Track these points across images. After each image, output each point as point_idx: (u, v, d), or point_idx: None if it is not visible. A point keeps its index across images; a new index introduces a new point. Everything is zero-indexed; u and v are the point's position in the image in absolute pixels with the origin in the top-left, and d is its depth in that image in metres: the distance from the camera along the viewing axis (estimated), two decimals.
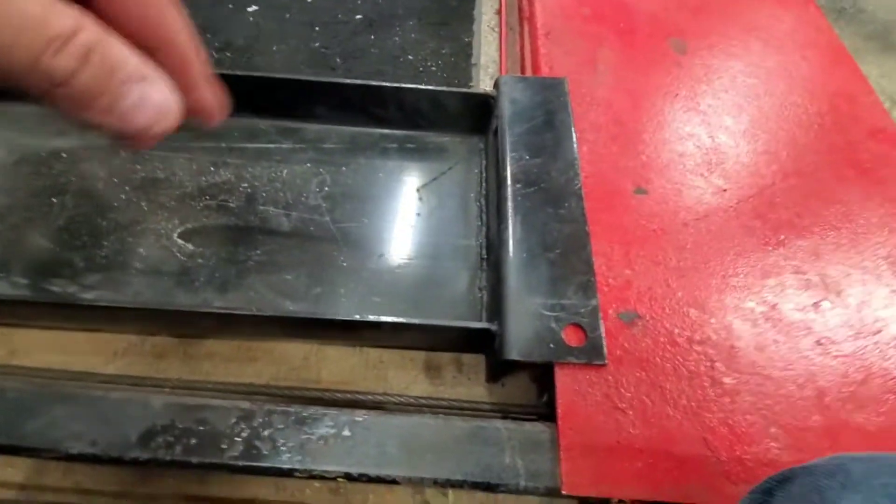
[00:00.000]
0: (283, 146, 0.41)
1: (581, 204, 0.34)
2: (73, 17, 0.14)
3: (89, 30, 0.14)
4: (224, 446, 0.26)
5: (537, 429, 0.27)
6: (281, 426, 0.26)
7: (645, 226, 0.35)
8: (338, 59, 0.53)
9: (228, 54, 0.50)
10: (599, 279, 0.31)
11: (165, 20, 0.17)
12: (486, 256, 0.36)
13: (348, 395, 0.30)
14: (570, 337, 0.29)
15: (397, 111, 0.41)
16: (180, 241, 0.35)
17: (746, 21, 0.49)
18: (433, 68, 0.53)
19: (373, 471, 0.25)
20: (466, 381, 0.33)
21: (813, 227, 0.36)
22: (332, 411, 0.27)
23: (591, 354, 0.28)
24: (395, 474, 0.25)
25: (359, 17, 0.56)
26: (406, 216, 0.38)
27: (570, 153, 0.37)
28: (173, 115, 0.16)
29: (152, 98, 0.16)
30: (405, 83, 0.40)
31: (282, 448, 0.26)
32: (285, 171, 0.39)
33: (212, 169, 0.39)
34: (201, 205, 0.37)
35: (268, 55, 0.51)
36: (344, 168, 0.40)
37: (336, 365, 0.33)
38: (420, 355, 0.34)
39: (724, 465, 0.26)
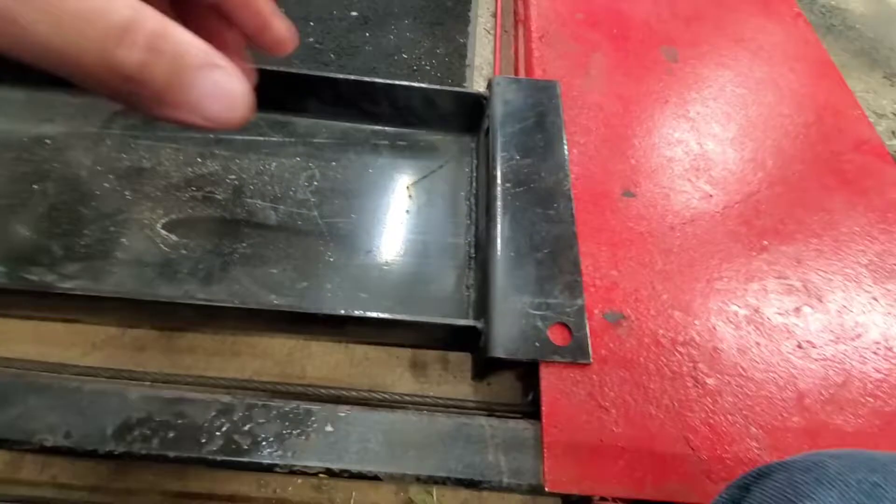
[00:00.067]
0: (273, 139, 0.40)
1: (570, 205, 0.34)
2: (130, 6, 0.13)
3: (151, 17, 0.14)
4: (203, 440, 0.25)
5: (521, 426, 0.27)
6: (262, 420, 0.26)
7: (632, 228, 0.35)
8: (331, 55, 0.53)
9: None
10: (586, 280, 0.31)
11: None
12: (474, 255, 0.36)
13: (332, 391, 0.30)
14: (556, 336, 0.29)
15: (389, 108, 0.41)
16: (164, 232, 0.34)
17: (737, 32, 0.50)
18: (427, 67, 0.53)
19: (354, 467, 0.25)
20: (452, 380, 0.33)
21: (796, 234, 0.36)
22: (315, 407, 0.27)
23: (577, 353, 0.28)
24: (377, 470, 0.25)
25: (354, 13, 0.56)
26: (395, 213, 0.38)
27: (560, 155, 0.37)
28: (246, 100, 0.16)
29: (224, 85, 0.15)
30: (399, 80, 0.40)
31: (262, 443, 0.25)
32: (274, 165, 0.39)
33: (199, 160, 0.38)
34: (187, 195, 0.36)
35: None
36: (334, 163, 0.40)
37: (321, 361, 0.33)
38: (406, 353, 0.34)
39: (706, 464, 0.26)
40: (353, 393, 0.30)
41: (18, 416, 0.25)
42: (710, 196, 0.38)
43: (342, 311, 0.30)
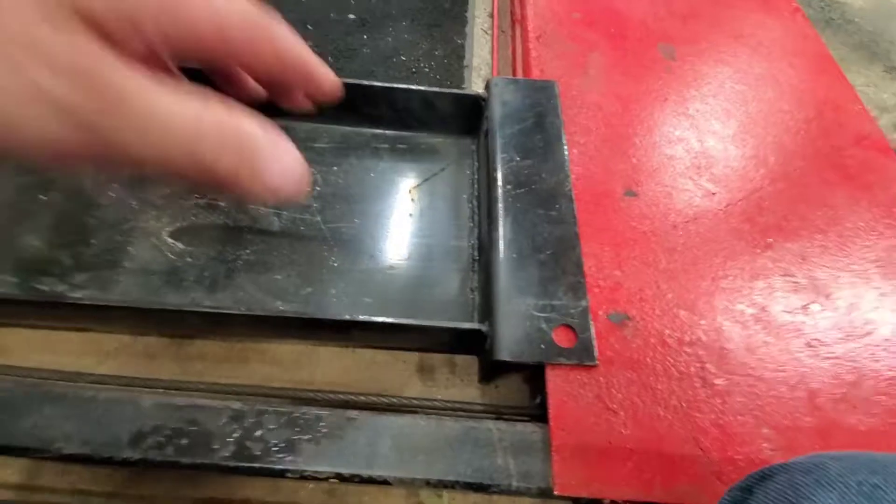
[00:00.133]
0: None
1: (571, 206, 0.34)
2: (204, 105, 0.14)
3: (223, 114, 0.15)
4: (215, 447, 0.25)
5: (529, 429, 0.27)
6: (272, 426, 0.26)
7: (635, 228, 0.35)
8: (330, 59, 0.53)
9: None
10: (589, 280, 0.31)
11: (280, 50, 0.17)
12: (477, 258, 0.36)
13: (340, 396, 0.30)
14: (561, 338, 0.29)
15: (389, 111, 0.41)
16: (170, 240, 0.35)
17: (735, 28, 0.50)
18: (426, 69, 0.53)
19: (364, 471, 0.25)
20: (459, 383, 0.33)
21: (800, 230, 0.36)
22: (324, 412, 0.27)
23: (582, 355, 0.29)
24: (386, 475, 0.25)
25: (352, 16, 0.56)
26: (398, 217, 0.38)
27: (560, 155, 0.37)
28: (305, 173, 0.17)
29: (290, 167, 0.16)
30: (397, 83, 0.40)
31: (273, 448, 0.25)
32: None
33: None
34: (191, 203, 0.37)
35: None
36: (335, 168, 0.40)
37: (329, 366, 0.33)
38: (413, 356, 0.34)
39: (716, 466, 0.26)
40: (362, 397, 0.30)
41: (36, 426, 0.25)
42: (713, 194, 0.38)
43: (347, 317, 0.30)
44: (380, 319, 0.29)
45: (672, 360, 0.30)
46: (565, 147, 0.38)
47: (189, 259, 0.34)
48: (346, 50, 0.54)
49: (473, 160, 0.41)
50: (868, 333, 0.32)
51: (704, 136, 0.41)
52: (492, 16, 0.57)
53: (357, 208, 0.38)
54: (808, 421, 0.28)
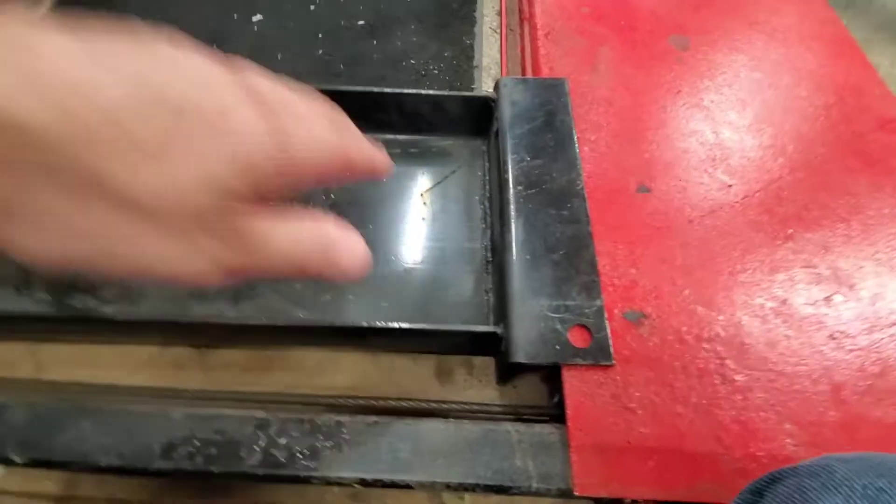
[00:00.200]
0: None
1: (583, 204, 0.34)
2: (297, 227, 0.18)
3: (309, 227, 0.18)
4: (243, 455, 0.26)
5: (547, 430, 0.27)
6: (296, 434, 0.27)
7: (649, 224, 0.35)
8: (341, 66, 0.53)
9: None
10: (604, 279, 0.31)
11: (356, 170, 0.20)
12: (491, 259, 0.36)
13: (361, 401, 0.31)
14: (576, 338, 0.29)
15: (399, 116, 0.41)
16: None
17: (749, 15, 0.49)
18: (435, 71, 0.53)
19: (386, 476, 0.26)
20: (477, 384, 0.33)
21: (822, 219, 0.35)
22: (345, 418, 0.28)
23: (598, 355, 0.29)
24: (408, 479, 0.26)
25: (361, 23, 0.57)
26: (411, 221, 0.38)
27: (571, 153, 0.37)
28: (367, 254, 0.20)
29: (356, 252, 0.20)
30: (407, 87, 0.40)
31: (298, 456, 0.26)
32: None
33: None
34: None
35: (273, 63, 0.51)
36: None
37: (349, 370, 0.34)
38: (431, 359, 0.34)
39: (739, 463, 0.26)
40: (381, 402, 0.31)
41: (75, 440, 0.26)
42: (729, 186, 0.37)
43: (365, 324, 0.31)
44: (396, 325, 0.30)
45: (690, 357, 0.29)
46: (576, 145, 0.37)
47: None
48: (357, 56, 0.54)
49: (484, 161, 0.41)
50: (894, 323, 0.31)
51: (719, 128, 0.40)
52: (500, 14, 0.57)
53: (371, 214, 0.38)
54: (832, 415, 0.28)
